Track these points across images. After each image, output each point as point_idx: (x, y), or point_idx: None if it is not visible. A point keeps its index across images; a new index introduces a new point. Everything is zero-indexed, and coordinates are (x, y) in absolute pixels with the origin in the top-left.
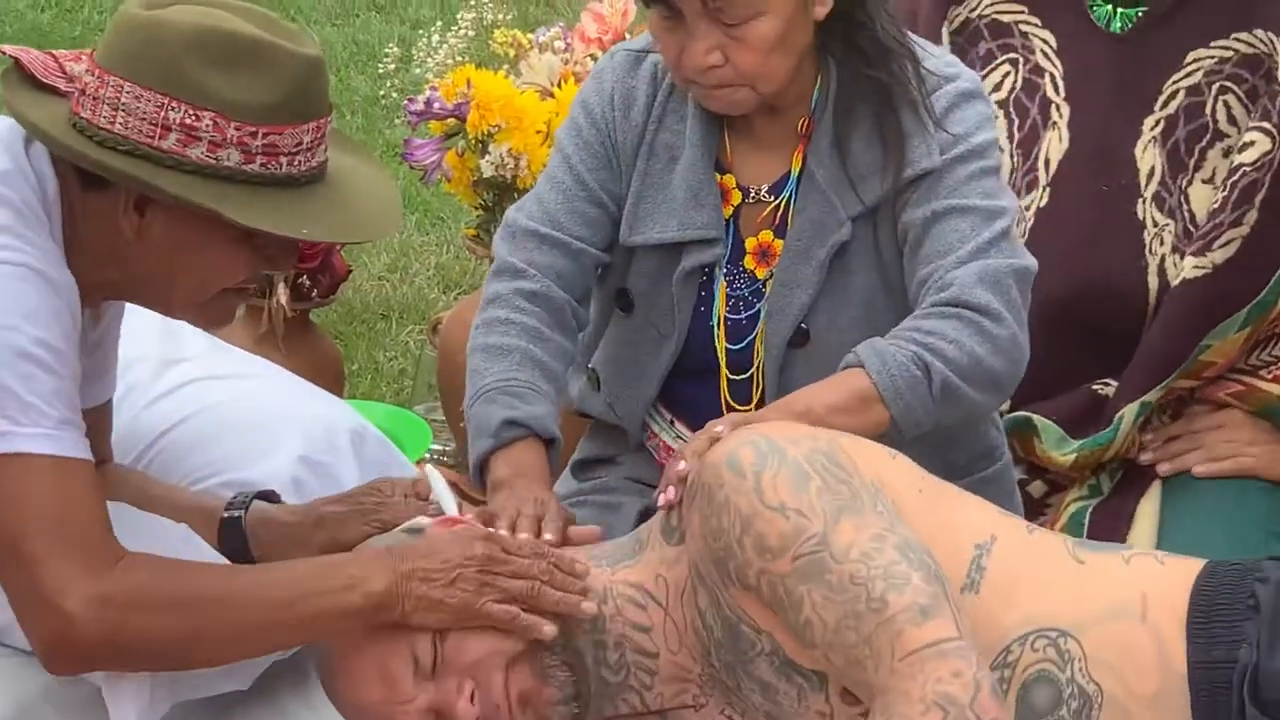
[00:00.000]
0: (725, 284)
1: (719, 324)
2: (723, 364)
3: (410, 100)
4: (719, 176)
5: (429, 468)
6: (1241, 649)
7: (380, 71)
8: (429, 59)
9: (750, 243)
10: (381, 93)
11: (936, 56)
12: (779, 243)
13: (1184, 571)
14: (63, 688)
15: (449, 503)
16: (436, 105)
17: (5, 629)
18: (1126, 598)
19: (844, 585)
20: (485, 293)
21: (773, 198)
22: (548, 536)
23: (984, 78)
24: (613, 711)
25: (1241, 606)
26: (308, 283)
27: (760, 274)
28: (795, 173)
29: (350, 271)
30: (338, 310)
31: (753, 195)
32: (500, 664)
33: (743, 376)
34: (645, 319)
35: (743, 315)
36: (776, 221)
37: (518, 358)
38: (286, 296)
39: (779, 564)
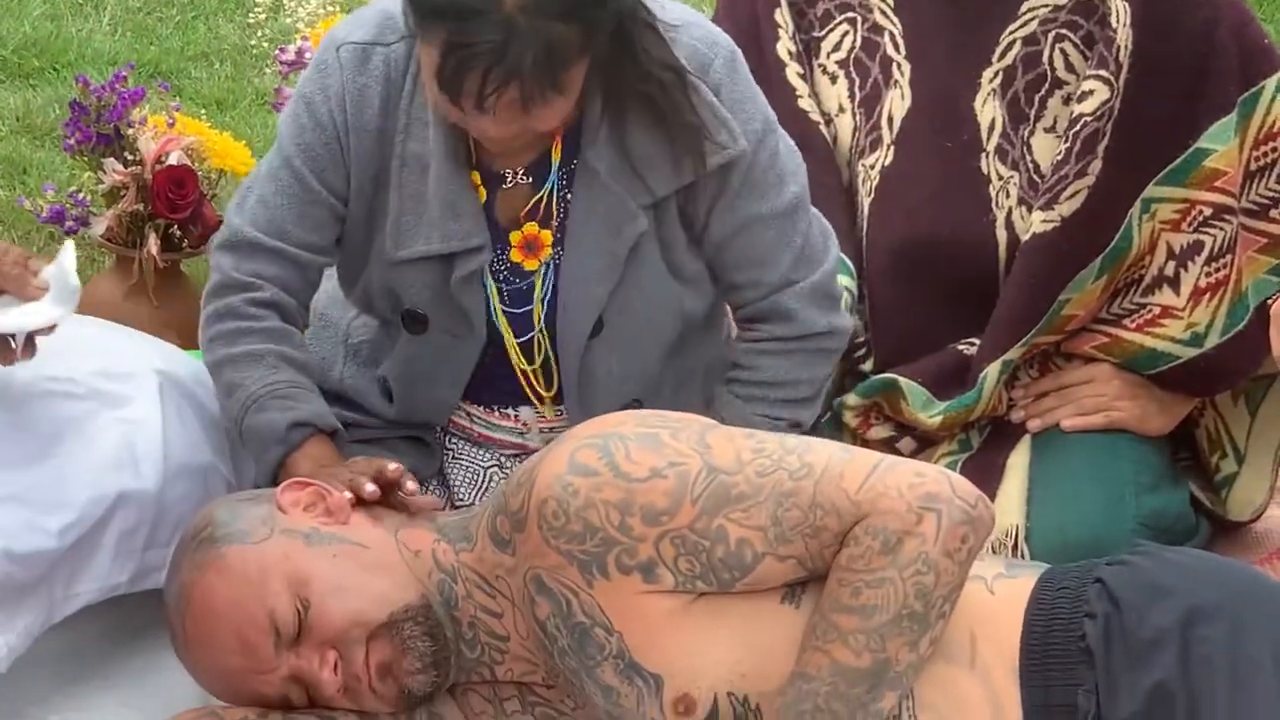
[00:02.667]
0: (495, 282)
1: (499, 318)
2: (518, 356)
3: (281, 49)
4: (472, 174)
5: (70, 242)
6: (1079, 695)
7: (250, 21)
8: (299, 9)
9: (515, 236)
10: (252, 42)
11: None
12: (546, 234)
13: (1014, 601)
14: None
15: (66, 285)
16: (307, 55)
17: None
18: (955, 640)
19: (757, 484)
20: (210, 308)
21: (535, 189)
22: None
23: (823, 38)
24: (465, 680)
25: (1074, 649)
26: (178, 233)
27: (530, 265)
28: (556, 163)
29: (220, 221)
30: (208, 261)
31: (509, 180)
32: (362, 635)
33: (535, 366)
34: (440, 330)
35: (519, 309)
36: (541, 213)
37: (271, 360)
38: (157, 247)
39: (680, 517)
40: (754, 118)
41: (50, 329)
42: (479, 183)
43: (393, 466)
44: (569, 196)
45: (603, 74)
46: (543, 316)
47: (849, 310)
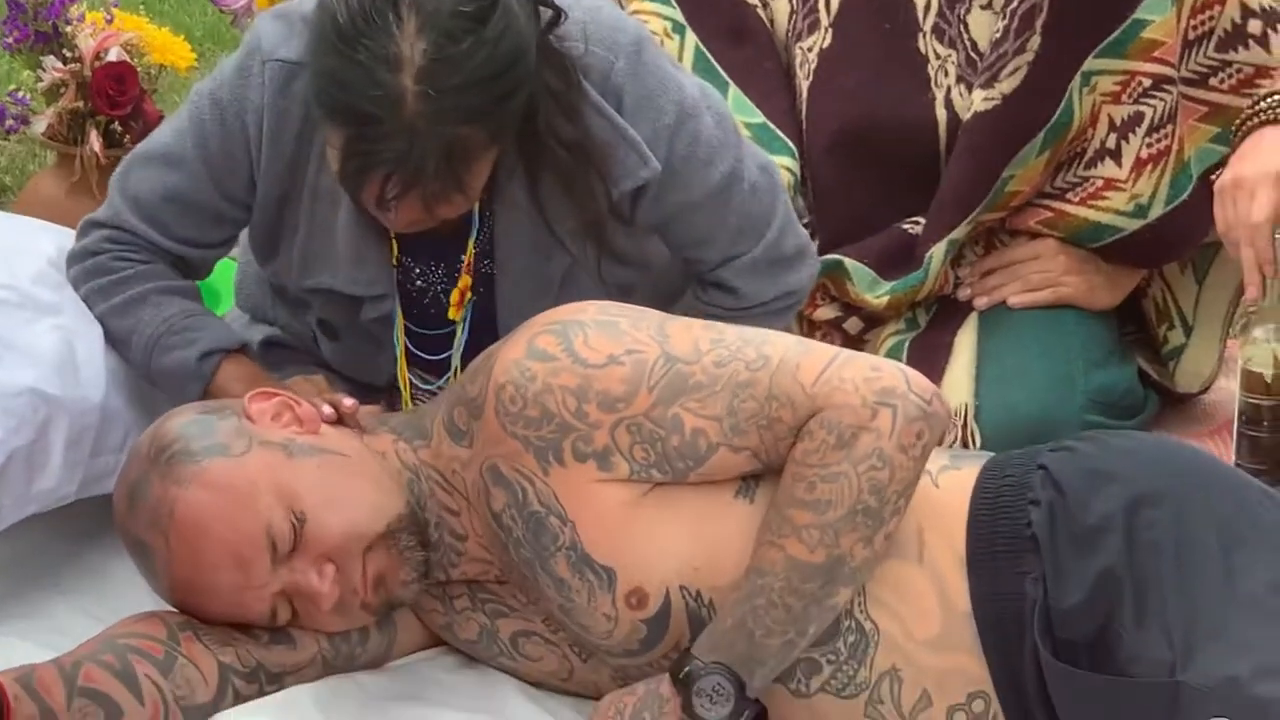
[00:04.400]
0: (405, 327)
1: (403, 356)
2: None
3: None
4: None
5: None
6: (1026, 582)
7: None
8: None
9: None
10: None
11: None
12: (465, 279)
13: (959, 493)
14: None
15: None
16: None
17: None
18: (904, 536)
19: (714, 375)
20: (75, 269)
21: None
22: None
23: None
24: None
25: (1020, 537)
26: (120, 129)
27: (451, 315)
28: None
29: (163, 117)
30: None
31: (418, 277)
32: (360, 548)
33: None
34: (356, 337)
35: (433, 356)
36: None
37: (154, 298)
38: (99, 144)
39: (635, 404)
40: (665, 111)
41: None
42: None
43: (348, 401)
44: (491, 228)
45: (513, 144)
46: (459, 362)
47: (792, 190)
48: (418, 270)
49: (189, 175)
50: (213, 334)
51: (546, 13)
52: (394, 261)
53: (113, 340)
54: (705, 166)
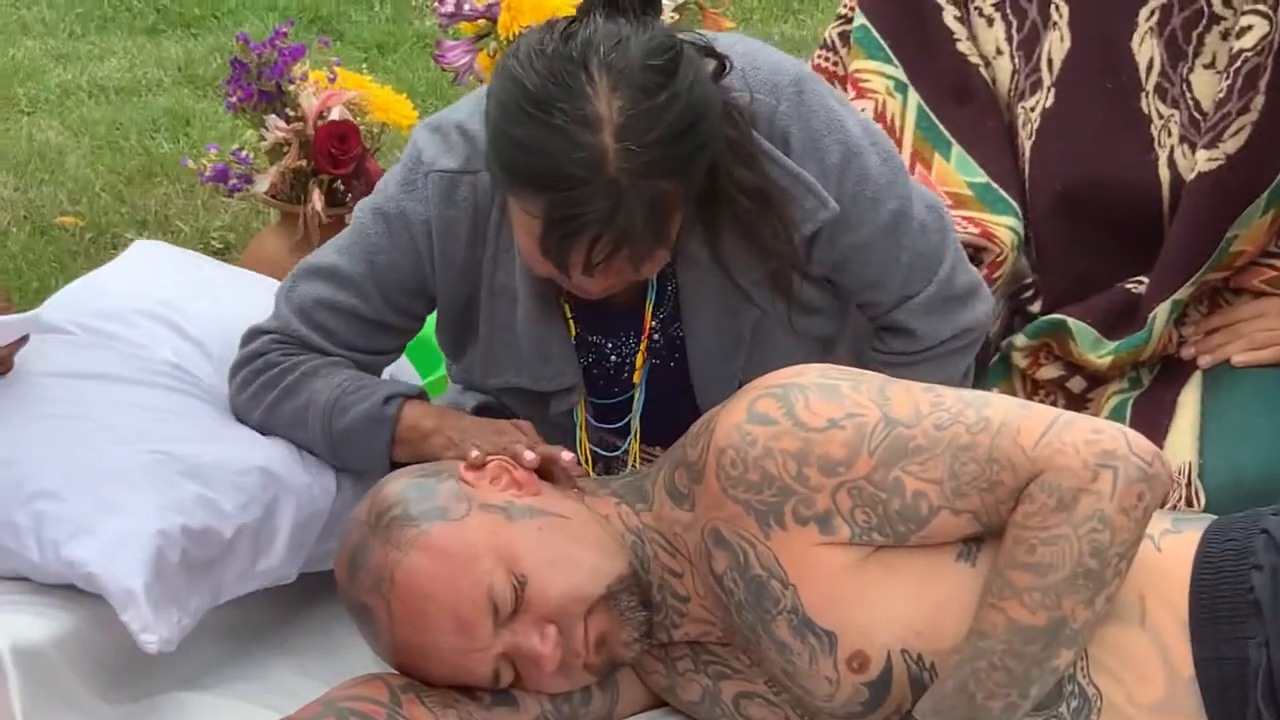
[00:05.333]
0: (587, 412)
1: (583, 430)
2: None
3: (440, 1)
4: (563, 305)
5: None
6: (1250, 648)
7: None
8: None
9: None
10: None
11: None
12: (644, 343)
13: (1181, 557)
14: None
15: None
16: (467, 7)
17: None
18: (1126, 600)
19: (934, 438)
20: (239, 374)
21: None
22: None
23: None
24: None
25: (1243, 601)
26: (342, 187)
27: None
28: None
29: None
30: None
31: (611, 351)
32: (582, 610)
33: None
34: (543, 426)
35: (611, 425)
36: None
37: (325, 371)
38: (321, 202)
39: (857, 468)
40: (830, 151)
41: (22, 341)
42: (569, 314)
43: (566, 455)
44: (675, 285)
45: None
46: (638, 426)
47: (1015, 249)
48: (610, 345)
49: (356, 291)
50: (391, 385)
51: (711, 61)
52: (574, 339)
53: (291, 425)
54: (874, 205)
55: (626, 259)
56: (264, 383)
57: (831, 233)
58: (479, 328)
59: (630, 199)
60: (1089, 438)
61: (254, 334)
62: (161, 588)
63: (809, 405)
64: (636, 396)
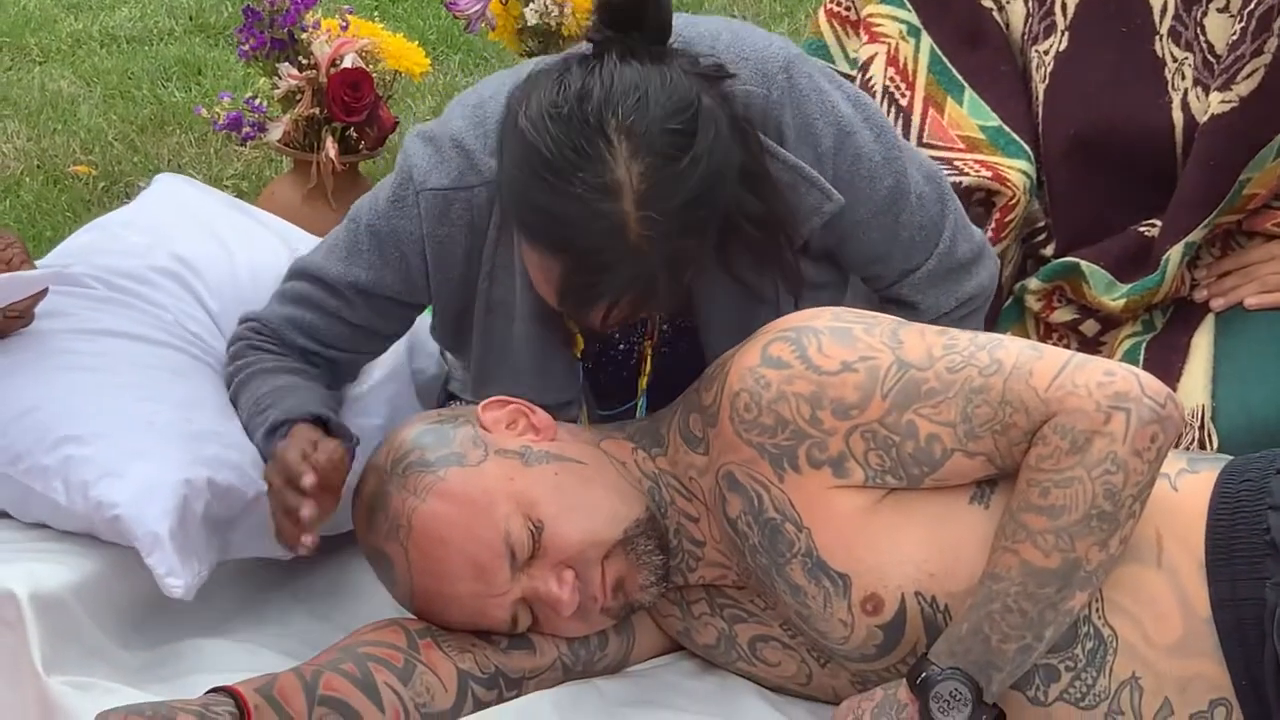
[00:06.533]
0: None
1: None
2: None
3: None
4: (567, 323)
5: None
6: (1266, 588)
7: None
8: None
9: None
10: None
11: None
12: (648, 344)
13: (1198, 497)
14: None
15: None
16: None
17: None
18: (1142, 540)
19: (947, 380)
20: (226, 361)
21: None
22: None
23: None
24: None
25: (1260, 542)
26: (355, 135)
27: (642, 385)
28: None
29: (397, 123)
30: (385, 161)
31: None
32: (599, 554)
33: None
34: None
35: (618, 409)
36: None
37: (259, 379)
38: (334, 150)
39: (870, 411)
40: (823, 136)
41: (42, 294)
42: (574, 329)
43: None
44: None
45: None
46: (643, 403)
47: (1027, 193)
48: (617, 334)
49: (342, 299)
50: (286, 409)
51: (716, 81)
52: (578, 355)
53: (244, 416)
54: (869, 183)
55: (645, 310)
56: (231, 371)
57: (829, 216)
58: (473, 342)
59: (651, 262)
60: (1101, 380)
61: (242, 319)
62: (184, 536)
63: (822, 348)
64: (639, 405)
